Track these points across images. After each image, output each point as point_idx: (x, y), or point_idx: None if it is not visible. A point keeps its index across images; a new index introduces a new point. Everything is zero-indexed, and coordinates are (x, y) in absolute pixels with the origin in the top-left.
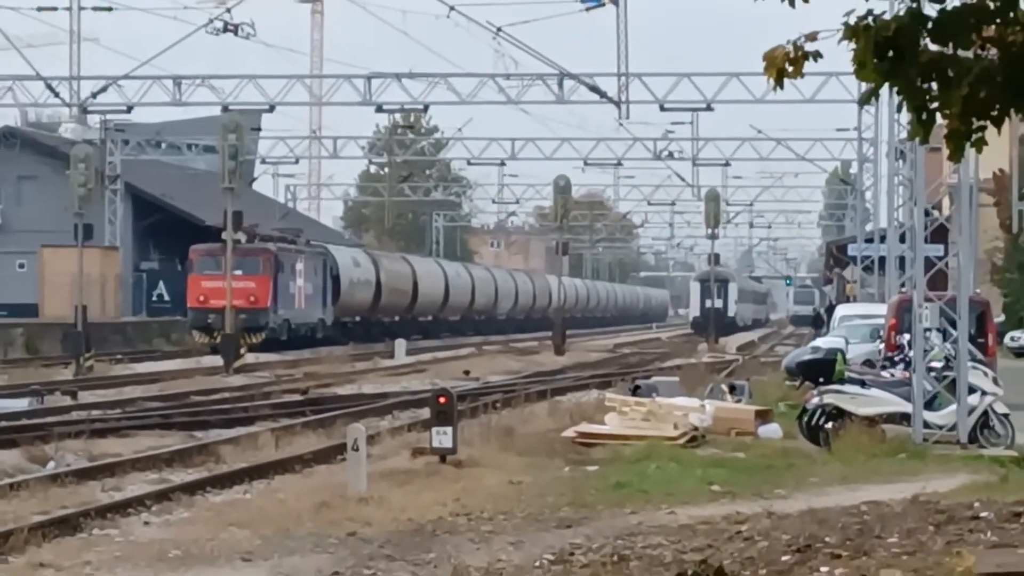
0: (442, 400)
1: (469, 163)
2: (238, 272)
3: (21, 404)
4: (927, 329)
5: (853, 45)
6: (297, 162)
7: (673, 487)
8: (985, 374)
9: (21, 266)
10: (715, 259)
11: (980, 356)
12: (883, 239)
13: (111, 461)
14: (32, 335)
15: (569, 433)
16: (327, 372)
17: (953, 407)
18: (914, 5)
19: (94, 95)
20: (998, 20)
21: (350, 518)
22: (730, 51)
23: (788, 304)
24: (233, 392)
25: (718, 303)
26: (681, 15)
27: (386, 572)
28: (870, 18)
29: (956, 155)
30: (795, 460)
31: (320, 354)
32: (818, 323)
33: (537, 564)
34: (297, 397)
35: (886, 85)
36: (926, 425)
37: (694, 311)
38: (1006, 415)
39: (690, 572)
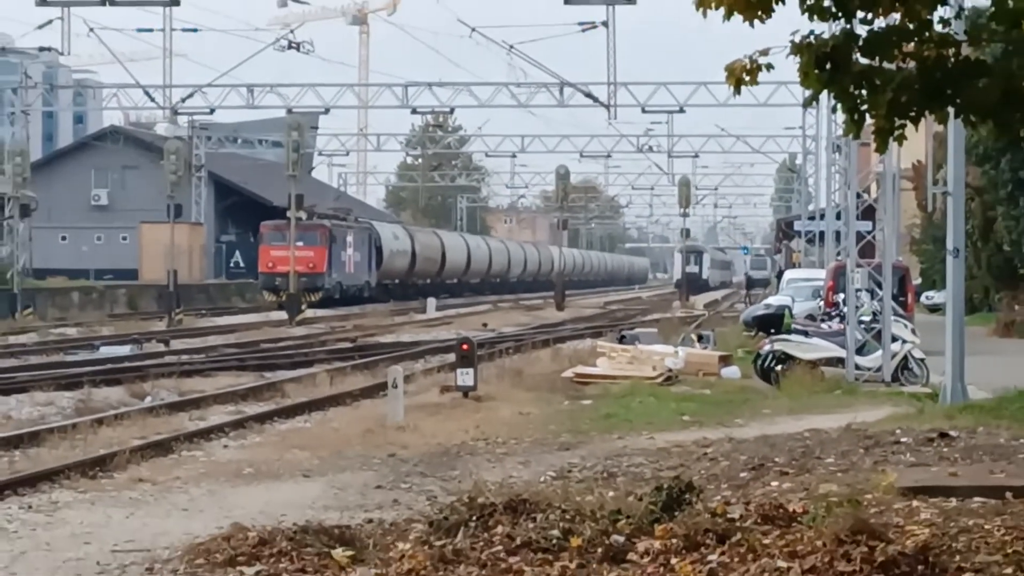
0: (465, 347)
1: (487, 155)
2: (300, 243)
3: (124, 350)
4: (858, 289)
5: (798, 59)
6: (348, 154)
7: (652, 417)
8: (905, 326)
9: (124, 239)
10: (686, 233)
11: (901, 311)
12: (822, 217)
13: (196, 396)
14: (133, 294)
15: (568, 374)
16: (372, 324)
17: (879, 353)
18: (847, 26)
19: (183, 100)
20: (916, 39)
21: (390, 442)
22: (699, 64)
23: (746, 269)
24: (296, 340)
25: (695, 268)
26: (660, 32)
27: (419, 486)
28: (812, 37)
29: (882, 148)
30: (751, 396)
31: (366, 310)
32: (750, 285)
33: (542, 479)
34: (347, 344)
35: (825, 91)
36: (857, 367)
37: (678, 274)
38: (922, 359)
39: (665, 486)
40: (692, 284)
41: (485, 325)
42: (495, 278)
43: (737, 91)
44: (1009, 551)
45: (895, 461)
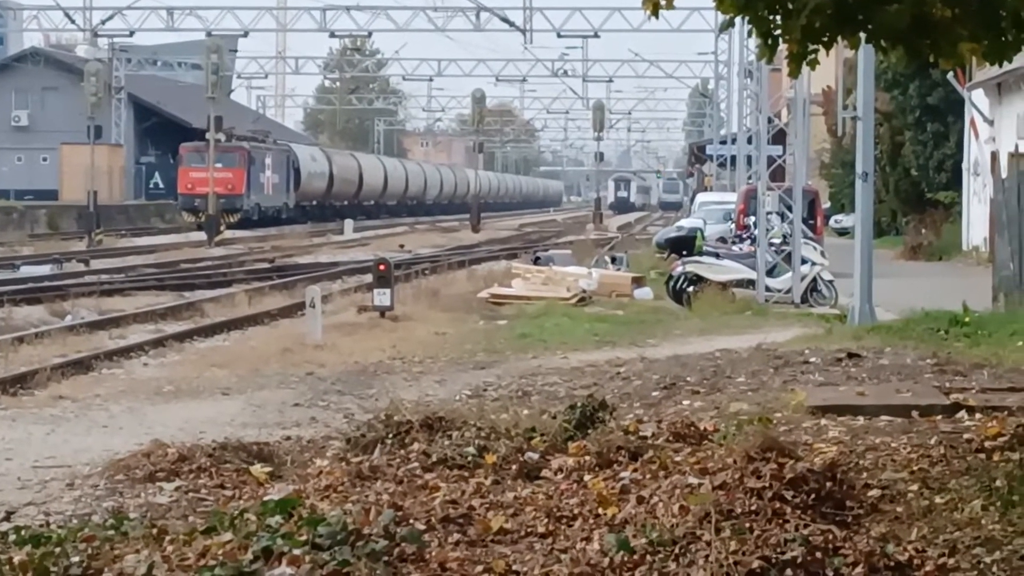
0: (382, 267)
1: (404, 79)
2: (219, 165)
3: (44, 269)
4: (769, 213)
5: None
6: (266, 77)
7: (566, 337)
8: (814, 249)
9: (44, 159)
10: (600, 157)
11: (810, 234)
12: (734, 141)
13: (117, 315)
14: (53, 215)
15: (483, 294)
16: (290, 245)
17: (789, 275)
18: None
19: (103, 22)
20: None
21: (308, 361)
22: None
23: (659, 193)
24: (214, 261)
25: (625, 193)
26: None
27: (337, 403)
28: None
29: (794, 73)
30: (663, 316)
31: (284, 231)
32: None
33: (457, 398)
34: (266, 265)
35: (739, 16)
36: (767, 289)
37: (611, 198)
38: (831, 281)
39: (579, 404)
40: (623, 206)
41: (402, 246)
42: (412, 200)
43: (655, 14)
44: (915, 468)
45: (804, 380)
